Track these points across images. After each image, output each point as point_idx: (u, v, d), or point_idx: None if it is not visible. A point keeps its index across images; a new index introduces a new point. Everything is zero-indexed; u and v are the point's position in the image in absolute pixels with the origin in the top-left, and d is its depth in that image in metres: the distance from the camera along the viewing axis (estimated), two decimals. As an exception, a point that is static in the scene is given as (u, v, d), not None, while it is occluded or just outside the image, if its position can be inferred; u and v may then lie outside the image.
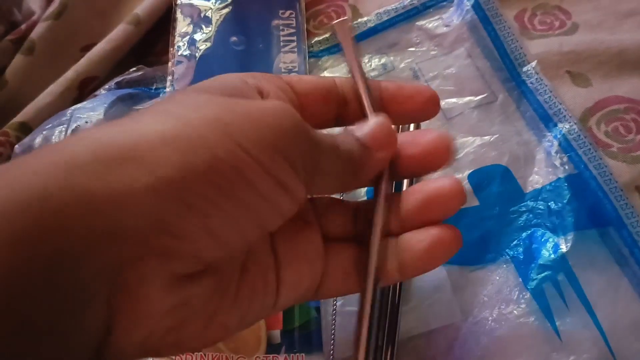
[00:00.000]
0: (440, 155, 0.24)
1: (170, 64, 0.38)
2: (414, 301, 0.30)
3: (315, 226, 0.23)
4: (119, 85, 0.37)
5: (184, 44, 0.39)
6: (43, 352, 0.15)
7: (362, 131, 0.22)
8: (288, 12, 0.40)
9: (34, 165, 0.15)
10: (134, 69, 0.38)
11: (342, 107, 0.25)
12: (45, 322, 0.15)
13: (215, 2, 0.41)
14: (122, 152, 0.16)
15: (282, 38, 0.39)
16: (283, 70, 0.38)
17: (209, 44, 0.39)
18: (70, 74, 0.39)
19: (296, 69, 0.38)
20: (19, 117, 0.37)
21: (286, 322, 0.29)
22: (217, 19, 0.40)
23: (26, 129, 0.36)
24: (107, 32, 0.41)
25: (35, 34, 0.41)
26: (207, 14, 0.40)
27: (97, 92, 0.37)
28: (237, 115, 0.18)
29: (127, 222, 0.15)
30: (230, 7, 0.41)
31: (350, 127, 0.23)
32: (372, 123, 0.23)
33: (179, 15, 0.40)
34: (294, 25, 0.40)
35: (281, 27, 0.40)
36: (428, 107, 0.25)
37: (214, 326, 0.19)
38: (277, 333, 0.29)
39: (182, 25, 0.40)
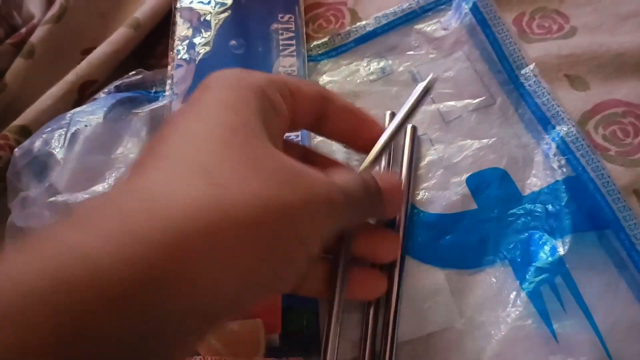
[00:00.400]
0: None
1: (169, 67, 0.38)
2: (412, 305, 0.30)
3: None
4: (118, 89, 0.37)
5: (184, 47, 0.39)
6: None
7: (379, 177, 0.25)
8: (287, 16, 0.40)
9: (139, 232, 0.16)
10: (134, 72, 0.38)
11: (320, 116, 0.27)
12: None
13: (215, 6, 0.41)
14: (215, 241, 0.17)
15: (281, 42, 0.39)
16: (282, 74, 0.38)
17: (208, 48, 0.39)
18: (70, 77, 0.39)
19: (295, 73, 0.38)
20: (18, 121, 0.37)
21: (285, 325, 0.29)
22: (217, 23, 0.40)
23: (26, 132, 0.36)
24: (107, 36, 0.41)
25: (35, 37, 0.41)
26: (206, 18, 0.41)
27: (96, 96, 0.37)
28: (297, 199, 0.20)
29: (214, 305, 0.17)
30: (230, 11, 0.41)
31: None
32: (387, 175, 0.29)
33: (178, 19, 0.41)
34: (293, 29, 0.40)
35: (280, 31, 0.40)
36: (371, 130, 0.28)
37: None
38: (275, 337, 0.29)
39: (182, 29, 0.40)
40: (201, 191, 0.18)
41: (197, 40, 0.39)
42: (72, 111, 0.34)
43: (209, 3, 0.41)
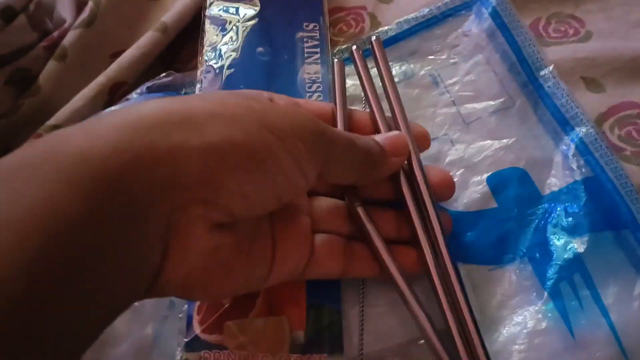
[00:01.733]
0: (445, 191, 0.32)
1: (199, 72, 0.40)
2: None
3: (307, 218, 0.29)
4: (149, 90, 0.38)
5: (212, 53, 0.40)
6: (115, 275, 0.18)
7: (380, 137, 0.29)
8: (312, 25, 0.41)
9: (111, 122, 0.19)
10: (164, 74, 0.40)
11: None
12: (117, 251, 0.18)
13: (242, 15, 0.42)
14: (180, 119, 0.20)
15: (306, 50, 0.40)
16: (307, 80, 0.39)
17: (235, 54, 0.40)
18: (101, 79, 0.40)
19: (319, 80, 0.39)
20: (52, 120, 0.39)
21: (309, 323, 0.30)
22: (244, 30, 0.41)
23: None
24: (135, 40, 0.43)
25: (67, 41, 0.42)
26: (234, 25, 0.42)
27: (129, 96, 0.38)
28: (267, 108, 0.23)
29: (181, 174, 0.19)
30: (257, 19, 0.42)
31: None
32: (390, 134, 0.30)
33: (207, 27, 0.42)
34: (318, 37, 0.41)
35: (305, 39, 0.41)
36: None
37: (230, 280, 0.24)
38: (300, 334, 0.30)
39: (211, 35, 0.41)
40: (168, 101, 0.22)
41: (225, 47, 0.40)
42: (106, 110, 0.35)
43: (236, 12, 0.42)
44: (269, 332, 0.29)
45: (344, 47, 0.42)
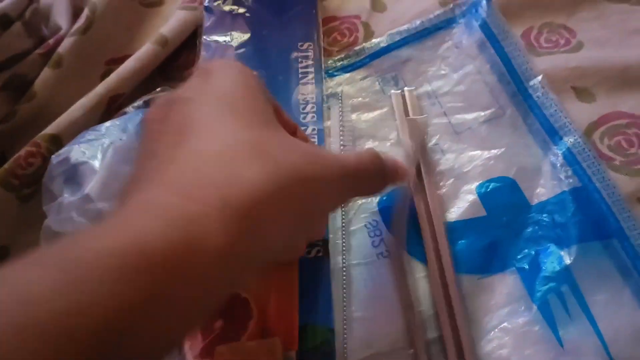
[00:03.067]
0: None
1: None
2: (422, 307, 0.32)
3: None
4: (147, 104, 0.38)
5: None
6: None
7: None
8: (307, 44, 0.42)
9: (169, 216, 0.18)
10: (160, 89, 0.40)
11: None
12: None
13: (235, 40, 0.42)
14: (277, 205, 0.20)
15: (300, 70, 0.41)
16: (301, 101, 0.39)
17: None
18: (100, 89, 0.40)
19: (313, 100, 0.39)
20: (50, 129, 0.39)
21: (302, 342, 0.30)
22: (239, 54, 0.42)
23: (57, 141, 0.38)
24: (131, 47, 0.43)
25: (62, 48, 0.43)
26: (229, 50, 0.42)
27: (126, 110, 0.38)
28: (322, 175, 0.23)
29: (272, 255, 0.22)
30: (250, 42, 0.42)
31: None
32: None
33: (203, 53, 0.42)
34: (312, 57, 0.41)
35: (300, 59, 0.41)
36: None
37: None
38: (292, 354, 0.30)
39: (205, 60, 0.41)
40: (261, 167, 0.21)
41: None
42: (105, 124, 0.35)
43: (231, 36, 0.43)
44: (261, 355, 0.29)
45: (336, 58, 0.43)
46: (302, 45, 0.42)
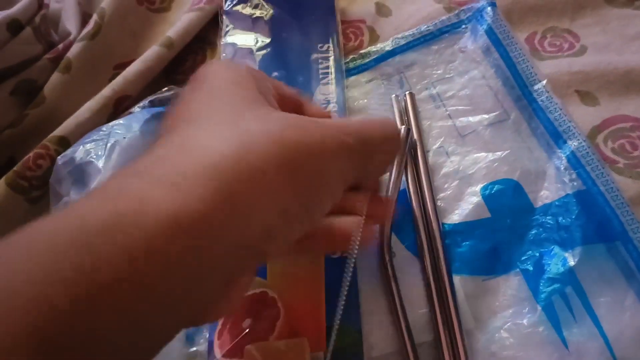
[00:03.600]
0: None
1: None
2: (427, 307, 0.32)
3: None
4: (152, 104, 0.39)
5: None
6: (161, 327, 0.18)
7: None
8: (326, 46, 0.42)
9: (195, 174, 0.19)
10: (166, 88, 0.40)
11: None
12: (173, 309, 0.18)
13: (257, 42, 0.43)
14: (255, 174, 0.20)
15: (320, 70, 0.41)
16: (322, 102, 0.40)
17: None
18: (107, 91, 0.41)
19: (334, 100, 0.40)
20: (58, 132, 0.39)
21: (329, 343, 0.29)
22: (259, 57, 0.42)
23: (65, 142, 0.38)
24: (139, 52, 0.44)
25: (71, 53, 0.43)
26: (249, 52, 0.43)
27: (132, 110, 0.39)
28: (313, 140, 0.22)
29: (251, 232, 0.20)
30: (271, 45, 0.43)
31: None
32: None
33: (222, 55, 0.43)
34: (331, 57, 0.42)
35: (320, 60, 0.42)
36: None
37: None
38: (320, 355, 0.30)
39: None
40: (233, 139, 0.20)
41: None
42: (110, 124, 0.36)
43: (251, 39, 0.43)
44: (289, 354, 0.29)
45: (347, 59, 0.43)
46: (321, 47, 0.42)
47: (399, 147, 0.28)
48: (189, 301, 0.18)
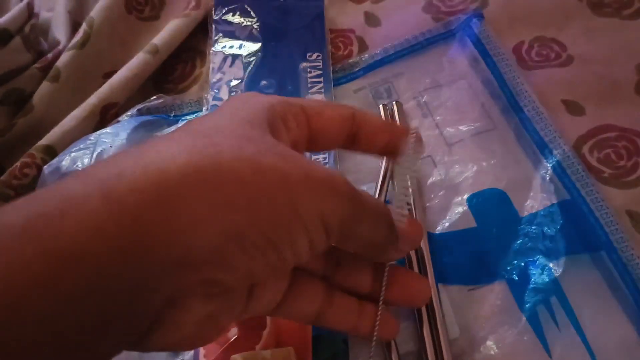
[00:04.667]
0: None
1: (204, 109, 0.41)
2: (413, 317, 0.32)
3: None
4: (140, 112, 0.39)
5: (218, 90, 0.41)
6: (99, 344, 0.17)
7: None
8: (315, 55, 0.43)
9: (133, 181, 0.17)
10: (154, 97, 0.41)
11: (352, 136, 0.26)
12: (109, 326, 0.17)
13: (246, 50, 0.43)
14: (208, 186, 0.18)
15: (309, 80, 0.41)
16: None
17: (240, 90, 0.41)
18: (93, 99, 0.41)
19: None
20: (44, 140, 0.39)
21: (315, 353, 0.30)
22: (248, 65, 0.42)
23: (51, 151, 0.38)
24: (127, 61, 0.44)
25: (60, 62, 0.43)
26: (238, 60, 0.43)
27: (119, 118, 0.39)
28: (301, 182, 0.20)
29: (194, 253, 0.18)
30: (260, 53, 0.43)
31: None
32: (413, 220, 0.26)
33: (212, 64, 0.43)
34: (321, 67, 0.42)
35: (309, 69, 0.42)
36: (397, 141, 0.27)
37: (213, 329, 0.22)
38: None
39: (215, 72, 0.42)
40: (196, 148, 0.19)
41: (229, 83, 0.42)
42: (97, 132, 0.36)
43: (240, 47, 0.44)
44: None
45: (336, 69, 0.43)
46: (310, 56, 0.43)
47: (392, 237, 0.25)
48: (119, 315, 0.17)
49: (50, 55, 0.44)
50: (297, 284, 0.26)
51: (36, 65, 0.43)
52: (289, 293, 0.26)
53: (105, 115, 0.42)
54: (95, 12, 0.46)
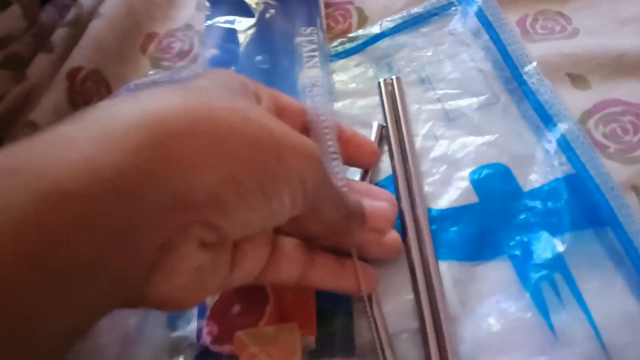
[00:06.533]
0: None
1: None
2: (413, 294, 0.31)
3: None
4: (137, 87, 0.38)
5: (212, 66, 0.41)
6: (94, 290, 0.17)
7: (368, 204, 0.28)
8: (310, 29, 0.41)
9: (128, 121, 0.17)
10: (152, 72, 0.40)
11: (306, 129, 0.30)
12: (103, 269, 0.17)
13: (241, 24, 0.43)
14: (204, 130, 0.18)
15: (304, 54, 0.40)
16: (307, 85, 0.39)
17: (235, 65, 0.40)
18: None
19: (319, 83, 0.39)
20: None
21: (320, 328, 0.30)
22: (243, 40, 0.42)
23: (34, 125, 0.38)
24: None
25: (55, 36, 0.44)
26: (233, 35, 0.42)
27: (116, 92, 0.38)
28: (285, 135, 0.21)
29: (192, 194, 0.18)
30: (255, 28, 0.42)
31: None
32: (378, 204, 0.30)
33: (206, 39, 0.42)
34: (316, 41, 0.41)
35: (303, 44, 0.41)
36: (370, 159, 0.35)
37: (201, 292, 0.22)
38: (311, 339, 0.29)
39: (210, 47, 0.42)
40: (189, 96, 0.19)
41: (224, 58, 0.41)
42: (120, 97, 0.35)
43: (234, 22, 0.43)
44: (280, 340, 0.28)
45: (331, 45, 0.42)
46: (305, 30, 0.42)
47: (342, 225, 0.26)
48: (115, 254, 0.17)
49: (45, 26, 0.44)
50: (278, 248, 0.27)
51: (30, 32, 0.43)
52: (271, 258, 0.26)
53: (73, 82, 0.41)
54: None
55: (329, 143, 0.30)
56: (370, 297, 0.30)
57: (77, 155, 0.16)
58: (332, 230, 0.26)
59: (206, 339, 0.30)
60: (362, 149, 0.34)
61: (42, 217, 0.15)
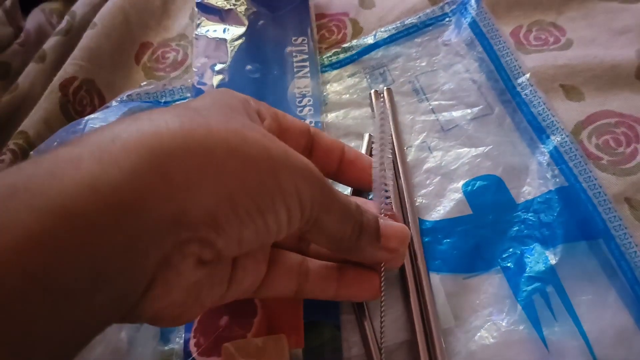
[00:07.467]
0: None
1: (189, 95, 0.40)
2: (404, 306, 0.31)
3: None
4: (130, 98, 0.38)
5: (202, 75, 0.40)
6: (95, 306, 0.17)
7: (383, 223, 0.27)
8: (300, 39, 0.42)
9: (126, 144, 0.18)
10: (145, 83, 0.40)
11: (309, 149, 0.31)
12: (104, 285, 0.17)
13: (230, 33, 0.42)
14: (201, 150, 0.19)
15: (295, 64, 0.41)
16: (297, 95, 0.39)
17: (225, 74, 0.40)
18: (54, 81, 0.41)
19: (310, 93, 0.39)
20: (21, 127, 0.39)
21: (308, 340, 0.30)
22: (232, 49, 0.42)
23: (25, 136, 0.38)
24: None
25: (47, 45, 0.43)
26: (223, 45, 0.42)
27: (108, 104, 0.38)
28: (282, 155, 0.22)
29: (190, 213, 0.19)
30: (244, 37, 0.42)
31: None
32: (395, 224, 0.28)
33: (196, 48, 0.42)
34: (306, 50, 0.41)
35: (294, 54, 0.41)
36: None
37: (196, 307, 0.23)
38: (299, 352, 0.29)
39: (200, 56, 0.41)
40: (187, 117, 0.20)
41: (213, 67, 0.41)
42: (86, 117, 0.35)
43: (225, 31, 0.43)
44: (268, 351, 0.28)
45: (325, 56, 0.42)
46: (296, 40, 0.42)
47: (351, 240, 0.26)
48: (115, 272, 0.17)
49: (32, 35, 0.43)
50: (275, 263, 0.27)
51: (18, 41, 0.43)
52: (269, 273, 0.27)
53: (66, 93, 0.41)
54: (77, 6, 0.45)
55: (387, 200, 0.30)
56: (362, 308, 0.30)
57: (79, 175, 0.16)
58: (339, 245, 0.26)
59: (193, 351, 0.30)
60: (366, 172, 0.32)
61: (45, 234, 0.15)
